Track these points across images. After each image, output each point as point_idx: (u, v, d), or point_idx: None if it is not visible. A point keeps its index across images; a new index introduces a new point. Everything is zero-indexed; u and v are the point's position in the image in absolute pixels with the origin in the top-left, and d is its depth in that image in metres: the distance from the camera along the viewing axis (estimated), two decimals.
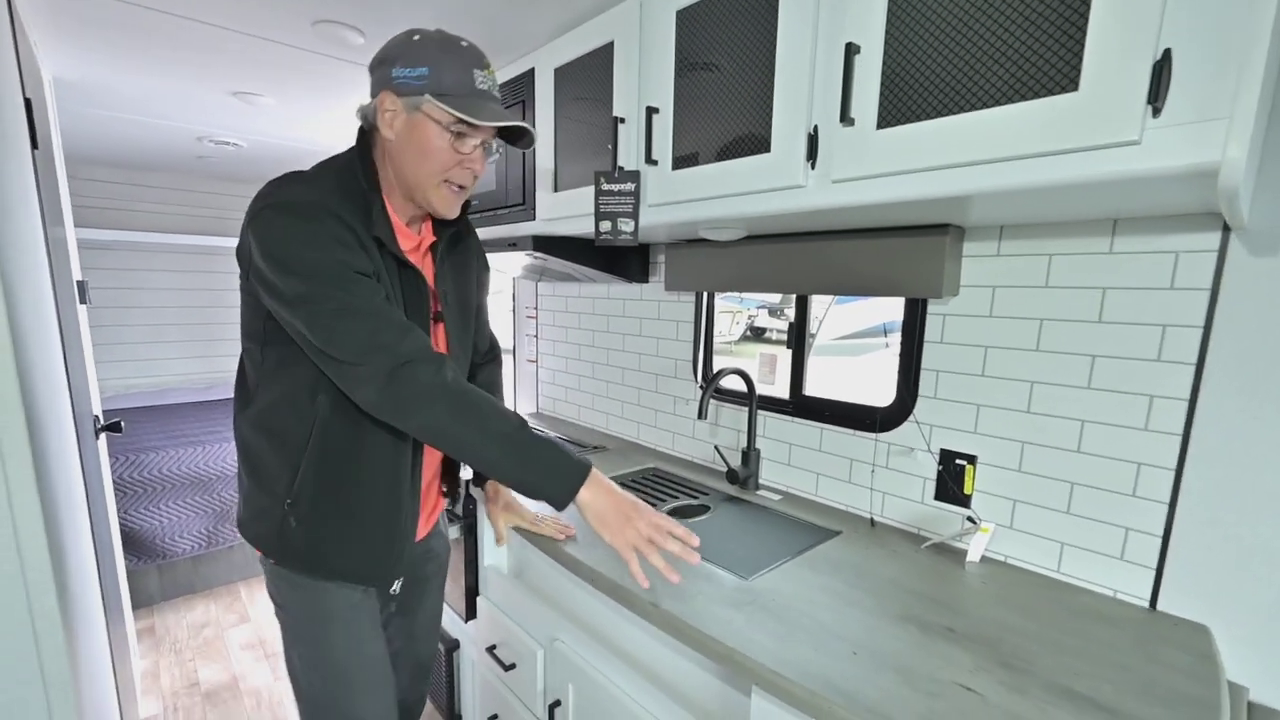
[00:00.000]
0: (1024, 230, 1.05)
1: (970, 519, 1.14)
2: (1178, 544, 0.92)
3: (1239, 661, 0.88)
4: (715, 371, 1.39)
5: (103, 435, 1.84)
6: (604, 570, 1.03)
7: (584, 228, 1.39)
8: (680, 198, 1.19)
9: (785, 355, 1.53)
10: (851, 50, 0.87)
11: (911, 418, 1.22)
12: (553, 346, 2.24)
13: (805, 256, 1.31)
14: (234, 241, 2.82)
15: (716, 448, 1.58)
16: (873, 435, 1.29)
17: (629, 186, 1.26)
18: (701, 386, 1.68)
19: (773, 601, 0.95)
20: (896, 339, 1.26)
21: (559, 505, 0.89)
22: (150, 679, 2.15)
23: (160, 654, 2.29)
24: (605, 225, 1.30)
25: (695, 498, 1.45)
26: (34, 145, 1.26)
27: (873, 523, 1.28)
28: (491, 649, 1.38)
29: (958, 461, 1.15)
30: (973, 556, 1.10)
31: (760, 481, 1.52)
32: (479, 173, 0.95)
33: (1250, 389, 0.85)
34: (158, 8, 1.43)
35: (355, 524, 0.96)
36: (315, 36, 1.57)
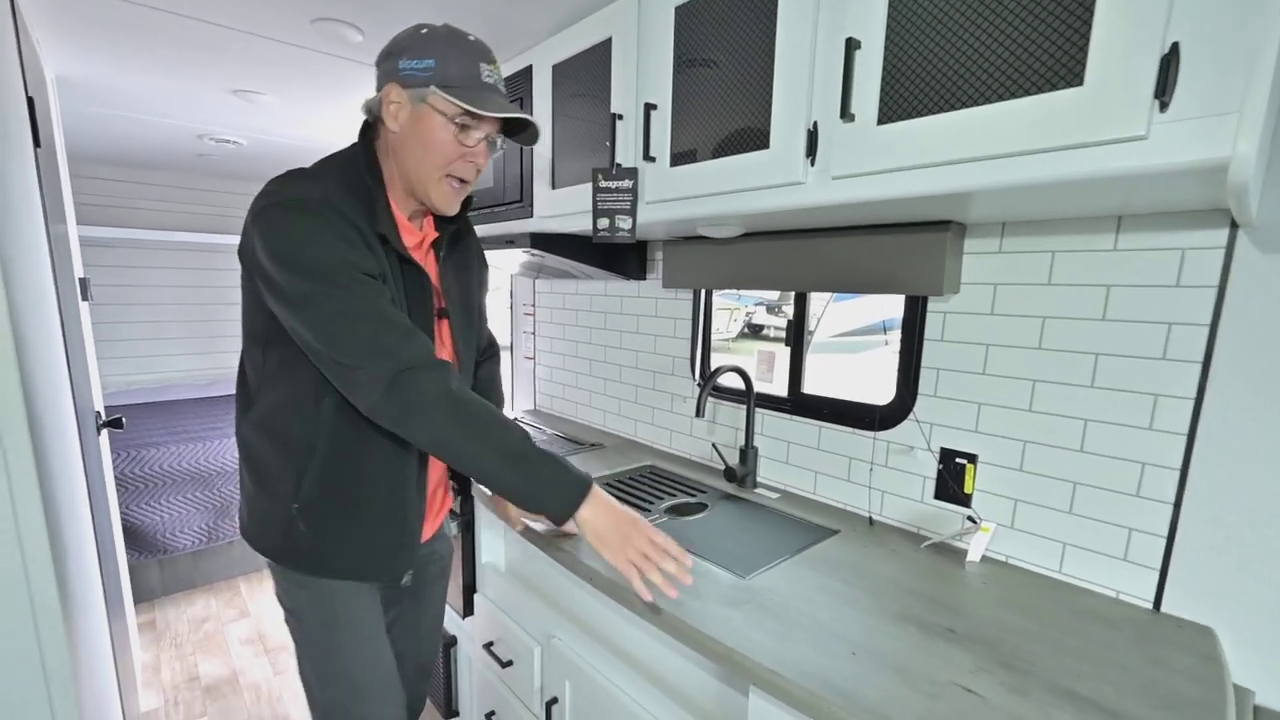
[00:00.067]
0: (1026, 227, 1.03)
1: (971, 518, 1.13)
2: (1182, 545, 0.91)
3: (1244, 664, 0.86)
4: (713, 369, 1.38)
5: (104, 431, 1.84)
6: (601, 569, 1.03)
7: (582, 225, 1.38)
8: (678, 194, 1.18)
9: (783, 352, 1.52)
10: (852, 45, 0.86)
11: (911, 416, 1.21)
12: (550, 344, 2.23)
13: (804, 254, 1.30)
14: (234, 239, 2.82)
15: (714, 445, 1.57)
16: (872, 433, 1.28)
17: (627, 183, 1.25)
18: (699, 384, 1.67)
19: (771, 600, 0.94)
20: (896, 336, 1.25)
21: (558, 521, 0.89)
22: (151, 672, 2.16)
23: (161, 648, 2.30)
24: (603, 222, 1.30)
25: (693, 496, 1.45)
26: (36, 143, 1.26)
27: (871, 521, 1.27)
28: (489, 646, 1.38)
29: (958, 460, 1.14)
30: (973, 556, 1.09)
31: (758, 480, 1.51)
32: (481, 166, 0.94)
33: (1258, 388, 0.84)
34: (160, 7, 1.42)
35: (363, 525, 0.96)
36: (315, 34, 1.56)
